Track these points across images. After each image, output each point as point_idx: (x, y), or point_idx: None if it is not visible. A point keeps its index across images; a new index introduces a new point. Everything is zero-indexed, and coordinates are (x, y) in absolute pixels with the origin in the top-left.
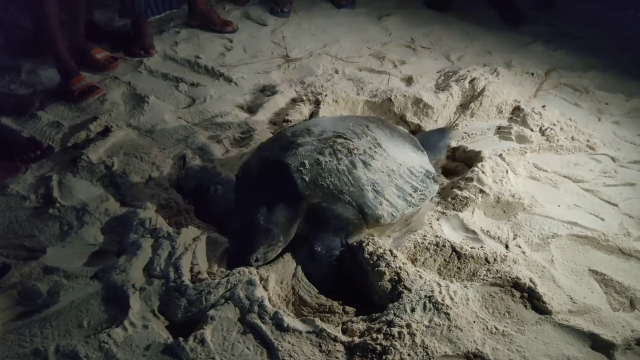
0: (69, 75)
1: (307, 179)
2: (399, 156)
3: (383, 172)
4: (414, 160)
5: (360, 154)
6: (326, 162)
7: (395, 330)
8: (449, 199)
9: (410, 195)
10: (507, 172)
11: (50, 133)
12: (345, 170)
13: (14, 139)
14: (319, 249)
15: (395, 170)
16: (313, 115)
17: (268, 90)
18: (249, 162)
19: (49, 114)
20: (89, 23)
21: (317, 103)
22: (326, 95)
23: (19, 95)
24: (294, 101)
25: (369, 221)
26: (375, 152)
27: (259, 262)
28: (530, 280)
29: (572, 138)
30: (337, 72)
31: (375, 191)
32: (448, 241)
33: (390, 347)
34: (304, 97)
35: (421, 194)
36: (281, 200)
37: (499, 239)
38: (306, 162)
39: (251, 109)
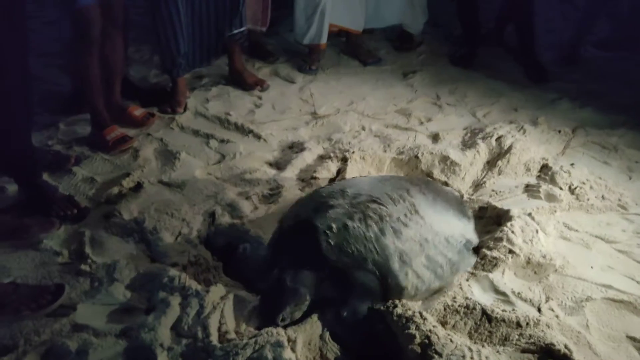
0: (103, 126)
1: (332, 243)
2: (437, 224)
3: (415, 241)
4: (454, 229)
5: (392, 222)
6: (354, 227)
7: None
8: (478, 259)
9: (441, 267)
10: (537, 231)
11: (84, 189)
12: (372, 237)
13: (53, 195)
14: (346, 314)
15: (429, 239)
16: (340, 172)
17: (296, 147)
18: (286, 216)
19: (84, 170)
20: (123, 80)
21: (345, 160)
22: (353, 152)
23: (56, 151)
24: (321, 158)
25: (392, 291)
26: (410, 219)
27: (286, 321)
28: (565, 347)
29: (603, 197)
30: (364, 129)
31: (402, 261)
32: (478, 304)
33: None
34: (332, 154)
35: (454, 268)
36: (307, 261)
37: (530, 301)
38: (334, 225)
39: (279, 166)
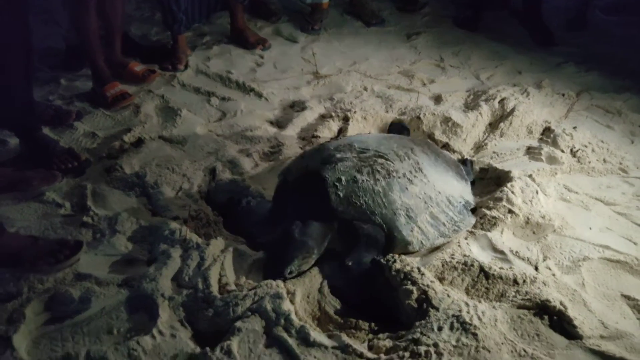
0: (104, 82)
1: (341, 195)
2: (439, 183)
3: (420, 198)
4: (454, 189)
5: (399, 177)
6: (363, 180)
7: (422, 348)
8: (478, 218)
9: (444, 225)
10: (537, 192)
11: (85, 143)
12: (380, 191)
13: (54, 148)
14: (350, 263)
15: (433, 197)
16: (342, 131)
17: (297, 106)
18: (290, 168)
19: (85, 125)
20: (125, 37)
21: (346, 120)
22: (355, 112)
23: (57, 106)
24: (322, 117)
25: (397, 246)
26: (415, 176)
27: (293, 274)
28: (561, 303)
29: (604, 160)
30: (366, 89)
31: (408, 217)
32: (476, 261)
33: None
34: (333, 114)
35: (455, 226)
36: (315, 213)
37: (528, 260)
38: (343, 178)
39: (280, 124)
